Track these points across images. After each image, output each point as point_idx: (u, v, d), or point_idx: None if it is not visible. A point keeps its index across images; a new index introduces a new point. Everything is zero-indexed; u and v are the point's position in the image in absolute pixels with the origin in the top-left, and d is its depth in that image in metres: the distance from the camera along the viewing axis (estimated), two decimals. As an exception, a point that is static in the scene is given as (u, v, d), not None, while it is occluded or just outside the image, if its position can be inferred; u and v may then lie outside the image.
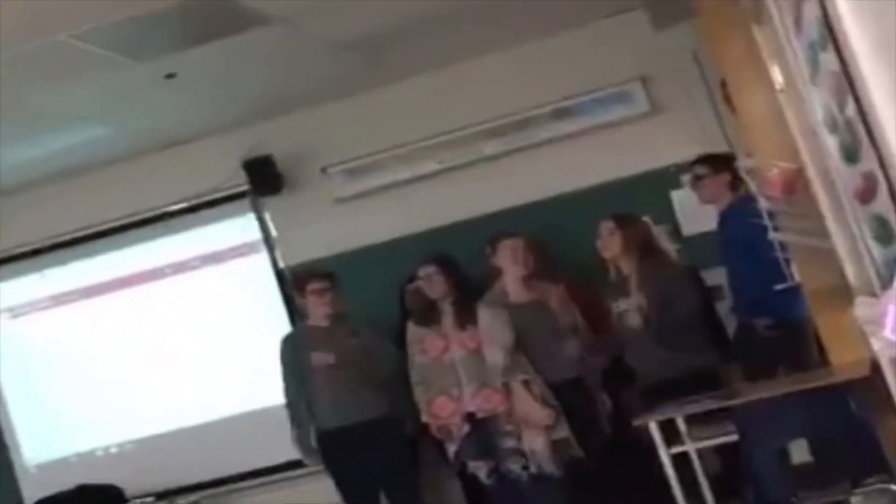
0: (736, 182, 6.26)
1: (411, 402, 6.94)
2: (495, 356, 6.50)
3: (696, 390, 5.75)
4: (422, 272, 6.87)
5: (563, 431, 6.44)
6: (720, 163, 6.42)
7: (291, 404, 7.05)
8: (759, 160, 5.29)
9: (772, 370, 5.93)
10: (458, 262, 6.92)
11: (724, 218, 6.32)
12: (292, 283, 7.39)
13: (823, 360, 6.06)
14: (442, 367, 6.83)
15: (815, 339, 6.02)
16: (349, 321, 7.04)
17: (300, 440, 7.02)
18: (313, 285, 7.01)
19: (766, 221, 5.94)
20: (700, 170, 6.41)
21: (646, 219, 6.78)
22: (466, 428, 6.79)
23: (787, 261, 5.68)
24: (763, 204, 5.28)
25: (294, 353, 7.06)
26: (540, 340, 6.49)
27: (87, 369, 8.38)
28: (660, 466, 5.69)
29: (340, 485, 7.03)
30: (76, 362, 8.41)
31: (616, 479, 6.34)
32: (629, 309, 6.28)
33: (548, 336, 6.48)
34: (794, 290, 5.93)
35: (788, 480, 5.18)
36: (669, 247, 6.79)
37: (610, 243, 6.34)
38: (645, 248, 6.37)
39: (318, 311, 7.02)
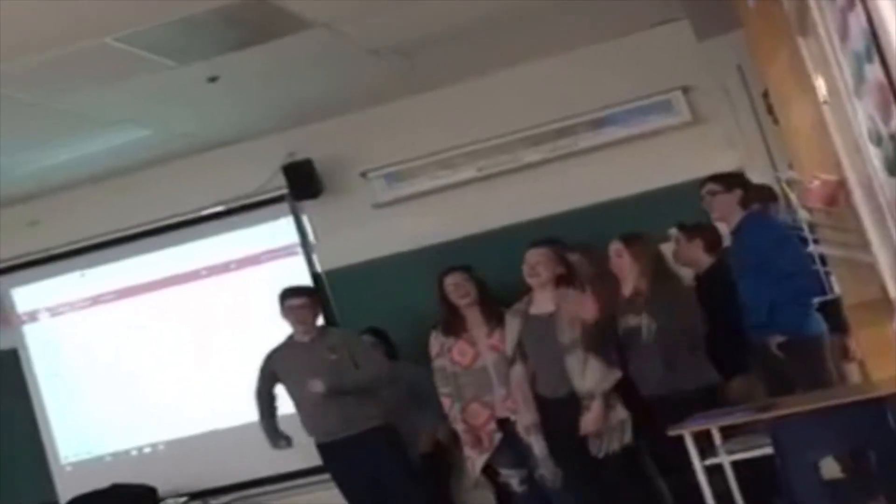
0: (747, 200, 6.29)
1: (433, 412, 6.97)
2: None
3: (692, 409, 5.75)
4: (452, 279, 6.87)
5: (541, 450, 6.42)
6: (732, 180, 6.43)
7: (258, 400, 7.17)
8: (801, 171, 5.26)
9: (788, 389, 5.88)
10: (474, 270, 6.96)
11: (738, 233, 6.31)
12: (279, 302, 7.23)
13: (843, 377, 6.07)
14: (474, 373, 6.82)
15: (831, 357, 6.03)
16: (330, 337, 7.03)
17: (265, 424, 7.14)
18: (289, 302, 7.01)
19: (786, 235, 5.96)
20: (713, 187, 6.40)
21: (672, 231, 6.78)
22: (499, 436, 6.78)
23: (827, 274, 5.65)
24: (802, 216, 5.25)
25: (267, 366, 7.10)
26: (542, 354, 6.47)
27: (123, 369, 8.45)
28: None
29: (346, 497, 7.06)
30: (112, 362, 8.48)
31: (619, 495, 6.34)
32: (638, 326, 6.26)
33: (549, 351, 6.44)
34: (808, 308, 5.92)
35: (822, 494, 5.15)
36: (706, 259, 6.74)
37: (619, 263, 6.35)
38: (656, 268, 6.35)
39: (296, 327, 7.04)
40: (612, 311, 6.33)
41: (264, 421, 7.14)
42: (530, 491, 6.80)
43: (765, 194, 6.55)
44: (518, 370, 6.45)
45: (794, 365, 5.97)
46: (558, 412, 6.34)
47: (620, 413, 6.23)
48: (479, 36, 6.71)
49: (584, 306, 6.35)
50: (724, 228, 6.53)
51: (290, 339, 7.09)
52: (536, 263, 6.48)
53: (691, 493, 5.69)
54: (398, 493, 6.87)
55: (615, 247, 6.37)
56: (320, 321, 7.18)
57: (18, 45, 5.29)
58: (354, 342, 7.07)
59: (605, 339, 6.28)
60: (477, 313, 6.84)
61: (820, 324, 6.03)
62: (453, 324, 6.87)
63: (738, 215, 6.29)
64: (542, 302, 6.48)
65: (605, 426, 6.20)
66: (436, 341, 6.93)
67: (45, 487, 8.50)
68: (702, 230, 6.68)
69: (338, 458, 6.93)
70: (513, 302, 6.83)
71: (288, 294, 7.05)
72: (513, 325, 6.51)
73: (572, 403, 6.29)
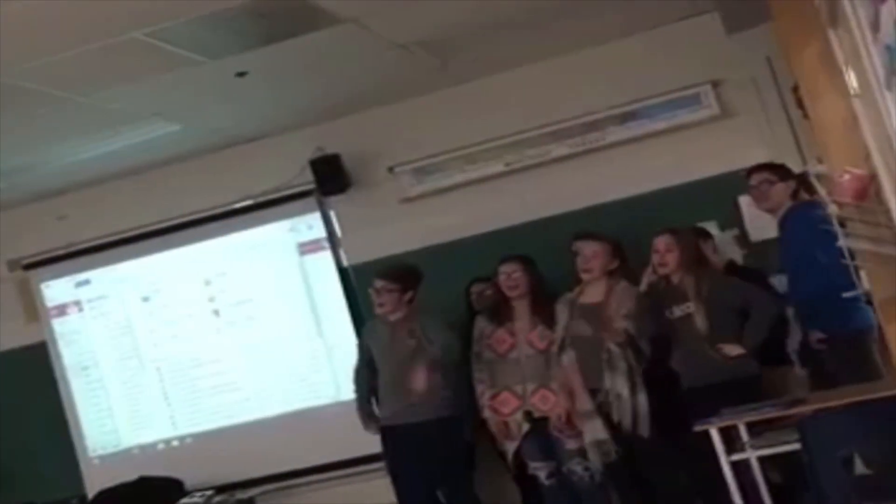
0: (797, 191, 6.25)
1: (471, 401, 6.95)
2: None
3: (741, 397, 5.73)
4: (504, 269, 6.85)
5: (601, 433, 6.43)
6: (785, 171, 6.39)
7: (355, 379, 7.14)
8: (831, 165, 5.24)
9: (832, 383, 5.85)
10: (534, 262, 6.87)
11: (782, 226, 6.28)
12: None
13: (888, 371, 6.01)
14: (508, 363, 6.83)
15: (880, 351, 5.98)
16: (413, 321, 6.98)
17: (359, 406, 7.08)
18: (375, 283, 7.00)
19: (827, 229, 5.91)
20: (770, 176, 6.35)
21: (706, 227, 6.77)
22: (526, 426, 6.80)
23: (857, 269, 5.61)
24: (832, 210, 5.22)
25: (362, 339, 7.15)
26: (584, 344, 6.49)
27: (150, 363, 8.50)
28: (709, 472, 5.66)
29: (396, 481, 7.04)
30: (140, 356, 8.53)
31: (665, 483, 6.34)
32: (688, 314, 6.24)
33: (595, 339, 6.46)
34: (856, 301, 5.87)
35: (852, 491, 5.13)
36: (737, 252, 6.74)
37: (668, 258, 6.31)
38: (697, 259, 6.35)
39: (377, 308, 7.02)
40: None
41: (360, 400, 7.10)
42: (558, 484, 6.82)
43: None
44: (569, 357, 6.48)
45: (837, 360, 5.94)
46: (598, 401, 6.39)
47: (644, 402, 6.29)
48: (507, 30, 6.70)
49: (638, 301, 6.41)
50: (771, 220, 6.47)
51: (377, 316, 7.06)
52: (591, 258, 6.51)
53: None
54: (451, 487, 6.90)
55: (665, 241, 6.29)
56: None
57: (49, 40, 5.33)
58: (429, 321, 6.96)
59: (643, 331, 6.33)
60: (525, 306, 6.82)
61: (868, 317, 5.96)
62: (500, 312, 6.88)
63: (785, 207, 6.27)
64: (594, 291, 6.52)
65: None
66: (478, 326, 6.94)
67: (73, 480, 8.54)
68: (689, 235, 6.57)
69: (400, 443, 6.90)
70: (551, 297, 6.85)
71: (376, 276, 7.02)
72: (562, 314, 6.56)
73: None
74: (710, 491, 6.03)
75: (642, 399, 6.31)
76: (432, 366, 6.81)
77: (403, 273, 7.01)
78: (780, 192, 6.29)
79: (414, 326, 6.93)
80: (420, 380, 6.77)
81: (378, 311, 7.00)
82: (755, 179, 6.37)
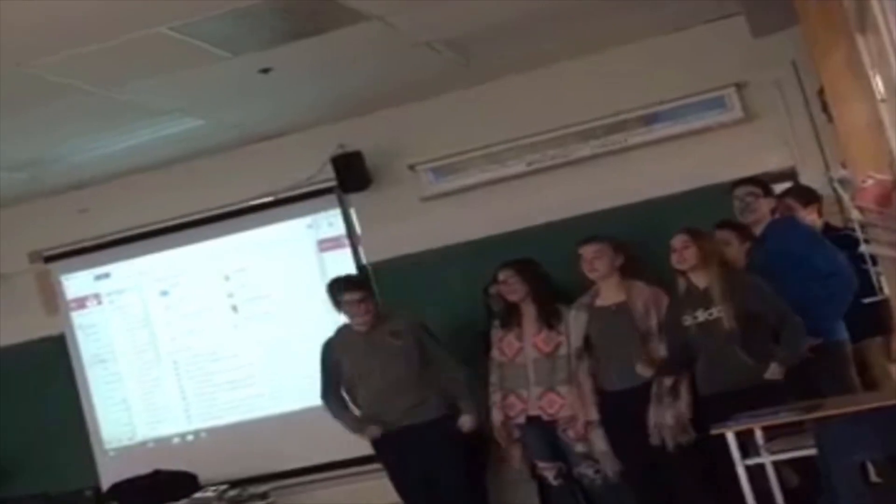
0: (775, 208, 6.37)
1: (468, 409, 6.96)
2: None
3: (767, 403, 5.70)
4: (500, 276, 6.88)
5: (602, 445, 6.45)
6: (767, 187, 6.48)
7: (325, 399, 7.16)
8: (854, 170, 5.23)
9: (814, 392, 5.82)
10: (536, 265, 6.88)
11: (765, 237, 6.31)
12: (329, 295, 7.25)
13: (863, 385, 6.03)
14: (514, 367, 6.85)
15: (854, 365, 6.00)
16: (390, 322, 7.00)
17: (345, 423, 7.12)
18: (346, 297, 6.98)
19: (822, 238, 5.94)
20: (756, 189, 6.40)
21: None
22: (518, 433, 6.83)
23: (878, 274, 5.61)
24: (855, 215, 5.22)
25: (328, 357, 7.10)
26: (609, 345, 6.48)
27: (167, 357, 8.53)
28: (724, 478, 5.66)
29: (398, 487, 7.06)
30: (157, 350, 8.56)
31: (678, 490, 6.34)
32: (710, 319, 6.20)
33: (622, 340, 6.45)
34: (840, 311, 5.93)
35: (867, 497, 5.12)
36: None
37: (686, 255, 6.26)
38: (721, 261, 6.32)
39: (356, 319, 6.99)
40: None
41: (342, 419, 7.13)
42: (566, 485, 6.83)
43: (804, 196, 6.55)
44: (584, 366, 6.49)
45: (822, 369, 5.94)
46: (618, 405, 6.37)
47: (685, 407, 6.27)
48: (531, 30, 6.70)
49: (658, 298, 6.40)
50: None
51: (347, 328, 7.08)
52: (593, 259, 6.52)
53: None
54: (451, 487, 6.87)
55: (681, 240, 6.28)
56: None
57: (74, 34, 5.34)
58: (424, 333, 7.00)
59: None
60: (531, 309, 6.83)
61: (844, 330, 6.01)
62: (508, 317, 6.90)
63: (766, 220, 6.31)
64: (609, 293, 6.51)
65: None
66: (494, 333, 6.96)
67: (88, 472, 8.56)
68: (709, 236, 6.58)
69: (394, 449, 6.92)
70: (562, 297, 6.84)
71: (342, 290, 7.02)
72: (579, 318, 6.57)
73: (633, 396, 6.32)
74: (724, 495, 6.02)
75: (683, 404, 6.30)
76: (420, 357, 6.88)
77: (364, 280, 7.06)
78: (765, 205, 6.37)
79: (397, 328, 6.95)
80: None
81: (357, 320, 6.98)
82: (741, 192, 6.43)
